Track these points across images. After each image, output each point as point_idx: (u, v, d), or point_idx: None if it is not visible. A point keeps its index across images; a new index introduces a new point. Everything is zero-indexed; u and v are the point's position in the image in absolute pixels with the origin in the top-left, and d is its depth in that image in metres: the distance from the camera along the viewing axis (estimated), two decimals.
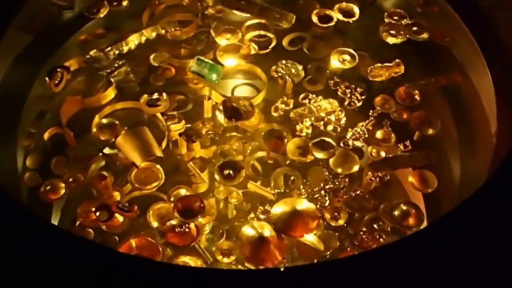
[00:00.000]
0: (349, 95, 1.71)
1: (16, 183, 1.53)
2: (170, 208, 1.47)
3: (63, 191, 1.51)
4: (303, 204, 1.43)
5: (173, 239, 1.39)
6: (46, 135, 1.60)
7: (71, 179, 1.54)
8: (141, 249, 1.39)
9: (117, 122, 1.59)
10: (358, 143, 1.63)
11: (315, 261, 1.43)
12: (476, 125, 1.63)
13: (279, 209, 1.42)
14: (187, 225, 1.40)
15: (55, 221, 1.55)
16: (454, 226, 1.18)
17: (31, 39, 1.68)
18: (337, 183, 1.55)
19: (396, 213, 1.46)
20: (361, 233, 1.46)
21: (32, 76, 1.66)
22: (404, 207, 1.47)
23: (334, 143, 1.58)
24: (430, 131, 1.61)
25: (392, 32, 1.75)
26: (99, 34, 1.79)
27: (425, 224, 1.56)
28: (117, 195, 1.51)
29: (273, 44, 1.80)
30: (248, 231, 1.39)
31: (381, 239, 1.47)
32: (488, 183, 1.27)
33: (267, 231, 1.39)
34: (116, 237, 1.47)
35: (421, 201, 1.60)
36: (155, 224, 1.45)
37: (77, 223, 1.47)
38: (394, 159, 1.56)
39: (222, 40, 1.79)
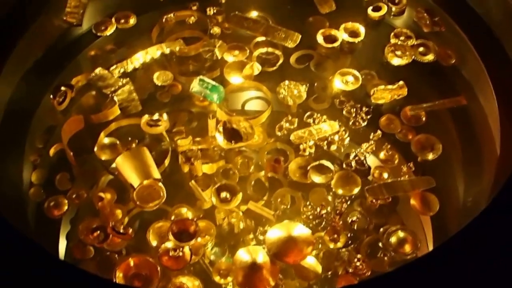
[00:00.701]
0: (354, 115, 1.66)
1: (22, 198, 1.50)
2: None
3: (66, 207, 1.50)
4: (298, 229, 1.38)
5: (167, 263, 1.35)
6: (51, 151, 1.58)
7: (74, 195, 1.52)
8: (139, 268, 1.36)
9: (118, 142, 1.56)
10: (360, 165, 1.58)
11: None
12: (481, 146, 1.58)
13: (274, 233, 1.37)
14: (181, 249, 1.35)
15: (63, 235, 1.51)
16: (455, 253, 1.13)
17: (40, 55, 1.66)
18: (338, 204, 1.50)
19: (392, 240, 1.41)
20: (356, 260, 1.40)
21: (40, 92, 1.64)
22: (401, 234, 1.41)
23: (332, 167, 1.52)
24: (431, 156, 1.55)
25: (398, 53, 1.69)
26: (109, 50, 1.77)
27: (429, 245, 1.53)
28: (118, 213, 1.46)
29: (281, 61, 1.75)
30: (242, 255, 1.36)
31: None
32: (489, 207, 1.20)
33: (261, 256, 1.34)
34: (116, 255, 1.44)
35: (427, 220, 1.58)
36: (154, 242, 1.41)
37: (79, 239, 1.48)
38: (393, 184, 1.49)
39: (230, 57, 1.75)
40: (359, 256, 1.42)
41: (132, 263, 1.37)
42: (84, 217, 1.52)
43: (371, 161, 1.61)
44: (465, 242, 1.16)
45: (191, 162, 1.52)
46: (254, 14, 1.86)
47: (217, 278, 1.40)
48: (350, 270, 1.40)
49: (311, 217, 1.50)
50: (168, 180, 1.56)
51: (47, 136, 1.62)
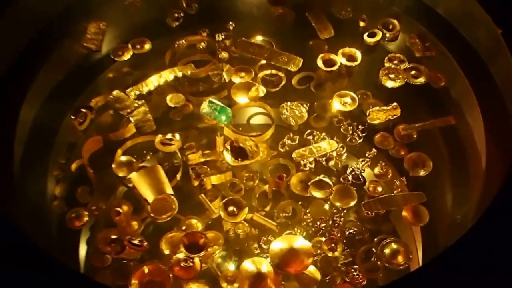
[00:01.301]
0: (351, 132, 1.71)
1: (45, 209, 1.57)
2: (180, 237, 1.49)
3: (86, 219, 1.55)
4: (299, 242, 1.43)
5: (179, 273, 1.41)
6: (73, 166, 1.64)
7: (93, 207, 1.58)
8: (153, 275, 1.42)
9: (134, 159, 1.61)
10: (357, 179, 1.64)
11: None
12: (468, 163, 1.63)
13: (277, 245, 1.43)
14: (191, 260, 1.41)
15: (82, 243, 1.58)
16: (445, 268, 1.19)
17: (62, 78, 1.71)
18: (336, 218, 1.56)
19: (386, 251, 1.47)
20: (353, 270, 1.46)
21: (63, 112, 1.69)
22: (394, 246, 1.47)
23: (331, 183, 1.57)
24: (422, 173, 1.60)
25: (391, 76, 1.74)
26: (125, 73, 1.82)
27: (419, 255, 1.59)
28: (135, 225, 1.53)
29: (283, 82, 1.80)
30: (248, 266, 1.41)
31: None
32: (477, 224, 1.25)
33: (265, 266, 1.40)
34: (131, 263, 1.50)
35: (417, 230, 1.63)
36: (167, 251, 1.47)
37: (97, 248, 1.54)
38: (387, 199, 1.54)
39: (237, 79, 1.80)
40: (355, 266, 1.47)
41: (146, 271, 1.42)
42: (102, 227, 1.58)
43: (367, 175, 1.66)
44: (452, 258, 1.20)
45: (201, 178, 1.58)
46: (259, 38, 1.90)
47: (224, 285, 1.46)
48: (347, 280, 1.45)
49: (311, 228, 1.55)
50: (180, 192, 1.61)
51: (69, 153, 1.67)
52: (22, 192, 1.52)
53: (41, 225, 1.54)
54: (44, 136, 1.65)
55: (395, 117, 1.69)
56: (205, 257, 1.48)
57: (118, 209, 1.52)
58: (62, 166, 1.66)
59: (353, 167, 1.67)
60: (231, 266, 1.55)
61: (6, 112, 1.57)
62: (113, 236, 1.53)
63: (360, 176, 1.66)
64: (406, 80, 1.74)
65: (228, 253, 1.57)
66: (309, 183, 1.59)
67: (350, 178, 1.66)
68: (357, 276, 1.45)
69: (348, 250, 1.54)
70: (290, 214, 1.60)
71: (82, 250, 1.60)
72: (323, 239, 1.54)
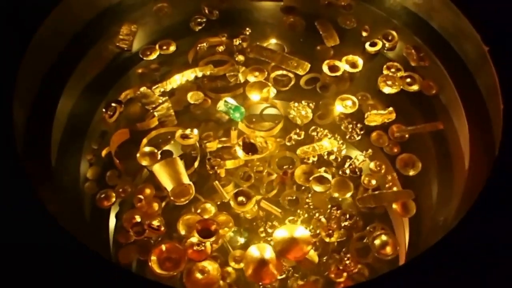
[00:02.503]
0: (350, 130, 1.77)
1: (78, 191, 1.66)
2: (196, 219, 1.57)
3: (114, 199, 1.65)
4: (300, 231, 1.50)
5: (192, 255, 1.49)
6: (103, 153, 1.72)
7: (120, 190, 1.67)
8: (170, 252, 1.51)
9: (156, 150, 1.67)
10: (353, 173, 1.72)
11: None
12: (453, 163, 1.68)
13: (279, 233, 1.50)
14: (203, 244, 1.49)
15: (112, 220, 1.69)
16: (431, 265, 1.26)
17: (96, 74, 1.79)
18: (333, 209, 1.64)
19: (376, 242, 1.53)
20: (346, 258, 1.54)
21: (97, 102, 1.76)
22: (384, 238, 1.53)
23: (330, 178, 1.64)
24: (411, 172, 1.66)
25: (389, 82, 1.78)
26: (152, 71, 1.87)
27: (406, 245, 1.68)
28: (155, 206, 1.62)
29: (293, 82, 1.86)
30: (253, 252, 1.47)
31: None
32: (459, 225, 1.32)
33: (268, 252, 1.47)
34: (152, 241, 1.60)
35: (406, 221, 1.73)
36: (183, 232, 1.55)
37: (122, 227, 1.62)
38: (380, 195, 1.62)
39: (251, 77, 1.85)
40: (348, 255, 1.55)
41: (164, 248, 1.51)
42: (128, 207, 1.67)
43: (363, 168, 1.74)
44: (436, 257, 1.27)
45: (215, 170, 1.66)
46: (273, 41, 1.96)
47: (232, 264, 1.55)
48: (341, 267, 1.54)
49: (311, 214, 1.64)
50: (198, 175, 1.72)
51: (101, 139, 1.76)
52: (59, 174, 1.60)
53: (74, 204, 1.63)
54: (80, 124, 1.72)
55: (390, 120, 1.73)
56: (216, 238, 1.54)
57: (140, 196, 1.60)
58: (94, 152, 1.74)
59: (351, 162, 1.74)
60: (241, 240, 1.64)
61: (47, 102, 1.63)
62: (137, 218, 1.61)
63: (357, 170, 1.73)
64: (401, 87, 1.78)
65: (239, 230, 1.66)
66: (310, 178, 1.65)
67: (348, 171, 1.73)
68: (349, 264, 1.53)
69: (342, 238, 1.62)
70: (294, 198, 1.68)
71: (112, 225, 1.70)
72: (323, 219, 1.62)
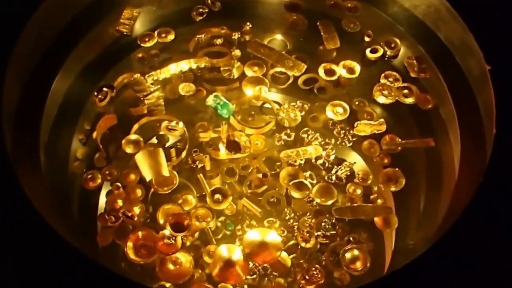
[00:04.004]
0: (342, 136, 1.70)
1: (66, 169, 1.64)
2: (176, 209, 1.54)
3: (99, 181, 1.62)
4: (271, 236, 1.46)
5: (162, 248, 1.45)
6: (94, 134, 1.68)
7: (107, 172, 1.64)
8: (146, 239, 1.49)
9: (141, 139, 1.64)
10: (339, 180, 1.65)
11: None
12: (443, 178, 1.61)
13: (251, 235, 1.46)
14: (174, 238, 1.46)
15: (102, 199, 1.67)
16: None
17: (94, 57, 1.75)
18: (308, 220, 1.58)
19: (347, 256, 1.47)
20: (313, 268, 1.48)
21: (94, 85, 1.73)
22: (355, 253, 1.48)
23: (310, 186, 1.58)
24: (393, 188, 1.59)
25: (384, 92, 1.70)
26: (148, 58, 1.83)
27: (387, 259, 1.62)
28: (138, 192, 1.59)
29: (290, 81, 1.79)
30: (222, 251, 1.45)
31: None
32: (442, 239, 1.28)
33: (237, 254, 1.44)
34: (130, 227, 1.56)
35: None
36: (161, 221, 1.52)
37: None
38: (357, 208, 1.55)
39: (250, 72, 1.80)
40: (317, 266, 1.50)
41: (140, 235, 1.50)
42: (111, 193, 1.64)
43: (349, 177, 1.67)
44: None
45: (196, 165, 1.62)
46: (278, 37, 1.89)
47: (206, 258, 1.52)
48: (307, 277, 1.48)
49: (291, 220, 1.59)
50: (183, 168, 1.68)
51: (94, 120, 1.72)
52: (51, 149, 1.59)
53: (61, 182, 1.61)
54: (74, 104, 1.70)
55: (380, 131, 1.66)
56: (193, 230, 1.53)
57: (118, 183, 1.58)
58: (86, 132, 1.71)
59: (337, 169, 1.67)
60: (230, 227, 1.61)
61: (42, 81, 1.61)
62: (119, 201, 1.58)
63: (343, 177, 1.65)
64: (397, 98, 1.70)
65: (224, 221, 1.62)
66: (290, 183, 1.59)
67: (333, 178, 1.66)
68: (315, 275, 1.47)
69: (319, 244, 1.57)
70: (275, 199, 1.62)
71: (102, 204, 1.66)
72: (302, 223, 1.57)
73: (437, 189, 1.60)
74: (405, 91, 1.71)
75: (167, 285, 1.49)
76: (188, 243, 1.57)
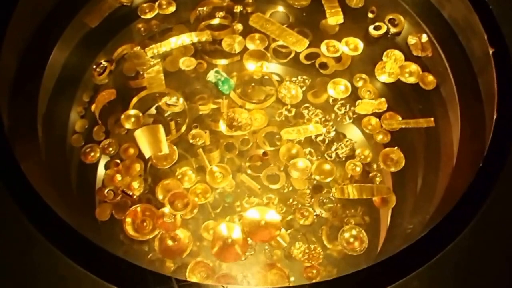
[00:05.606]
0: (343, 112, 1.67)
1: (65, 142, 1.60)
2: (175, 185, 1.52)
3: (98, 155, 1.59)
4: (271, 215, 1.44)
5: (162, 226, 1.44)
6: (93, 107, 1.65)
7: (106, 146, 1.60)
8: (144, 214, 1.47)
9: (141, 114, 1.60)
10: (339, 158, 1.63)
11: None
12: (442, 159, 1.58)
13: (250, 214, 1.44)
14: (174, 216, 1.44)
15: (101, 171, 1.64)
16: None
17: (93, 27, 1.69)
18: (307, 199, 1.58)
19: (346, 235, 1.45)
20: (312, 247, 1.46)
21: (93, 55, 1.69)
22: (354, 232, 1.46)
23: (309, 164, 1.56)
24: (393, 169, 1.56)
25: (386, 71, 1.66)
26: (154, 25, 1.77)
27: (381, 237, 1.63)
28: (137, 167, 1.56)
29: (292, 55, 1.75)
30: (222, 230, 1.43)
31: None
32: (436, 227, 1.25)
33: (236, 233, 1.42)
34: (129, 201, 1.53)
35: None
36: (160, 196, 1.50)
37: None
38: (360, 187, 1.52)
39: (251, 45, 1.75)
40: (316, 245, 1.48)
41: (139, 209, 1.48)
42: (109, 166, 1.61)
43: (349, 154, 1.64)
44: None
45: (196, 141, 1.59)
46: (280, 9, 1.83)
47: (204, 234, 1.50)
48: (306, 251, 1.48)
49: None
50: (182, 141, 1.65)
51: (92, 93, 1.68)
52: (49, 122, 1.56)
53: (60, 154, 1.59)
54: (73, 76, 1.66)
55: (380, 110, 1.63)
56: (193, 206, 1.50)
57: (117, 160, 1.56)
58: (85, 104, 1.68)
59: (337, 146, 1.65)
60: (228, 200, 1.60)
61: (40, 51, 1.56)
62: (117, 176, 1.55)
63: (342, 155, 1.63)
64: (399, 77, 1.66)
65: (223, 193, 1.61)
66: (290, 162, 1.57)
67: (333, 155, 1.64)
68: (313, 253, 1.46)
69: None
70: (274, 175, 1.60)
71: (100, 177, 1.64)
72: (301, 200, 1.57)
73: (435, 171, 1.57)
74: (407, 70, 1.67)
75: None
76: (187, 217, 1.54)
